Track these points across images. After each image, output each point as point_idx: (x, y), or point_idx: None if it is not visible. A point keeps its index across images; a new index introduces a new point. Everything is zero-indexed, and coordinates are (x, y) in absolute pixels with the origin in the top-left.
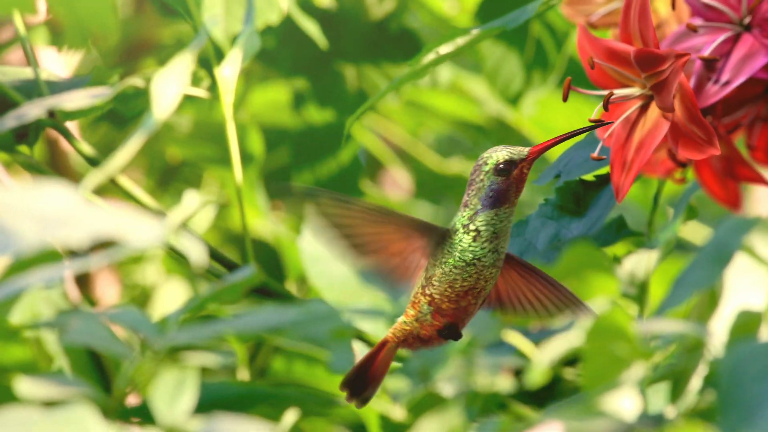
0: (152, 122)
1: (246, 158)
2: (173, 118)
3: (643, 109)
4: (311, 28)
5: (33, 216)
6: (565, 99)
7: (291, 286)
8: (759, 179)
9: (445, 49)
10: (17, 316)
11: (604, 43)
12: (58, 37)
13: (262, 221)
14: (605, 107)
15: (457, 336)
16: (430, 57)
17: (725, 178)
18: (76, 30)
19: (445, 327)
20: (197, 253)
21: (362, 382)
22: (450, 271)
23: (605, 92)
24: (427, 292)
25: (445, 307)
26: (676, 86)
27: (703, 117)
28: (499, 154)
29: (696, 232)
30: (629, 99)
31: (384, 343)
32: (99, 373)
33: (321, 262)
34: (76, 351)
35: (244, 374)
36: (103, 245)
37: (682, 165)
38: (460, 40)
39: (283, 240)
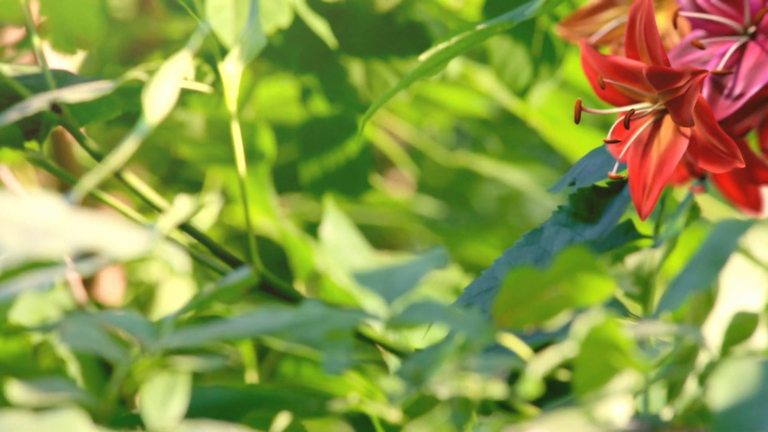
0: (145, 126)
1: (257, 156)
2: (184, 116)
3: (656, 124)
4: (320, 27)
5: (16, 226)
6: (576, 121)
7: (300, 287)
8: None
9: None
10: (25, 318)
11: (610, 59)
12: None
13: (272, 220)
14: (626, 125)
15: None
16: (440, 51)
17: (744, 183)
18: (60, 33)
19: None
20: (180, 262)
21: None
22: None
23: (615, 111)
24: None
25: None
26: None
27: (723, 130)
28: None
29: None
30: (644, 116)
31: None
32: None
33: (342, 251)
34: (87, 355)
35: (252, 377)
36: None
37: (700, 176)
38: (470, 36)
39: (292, 240)
